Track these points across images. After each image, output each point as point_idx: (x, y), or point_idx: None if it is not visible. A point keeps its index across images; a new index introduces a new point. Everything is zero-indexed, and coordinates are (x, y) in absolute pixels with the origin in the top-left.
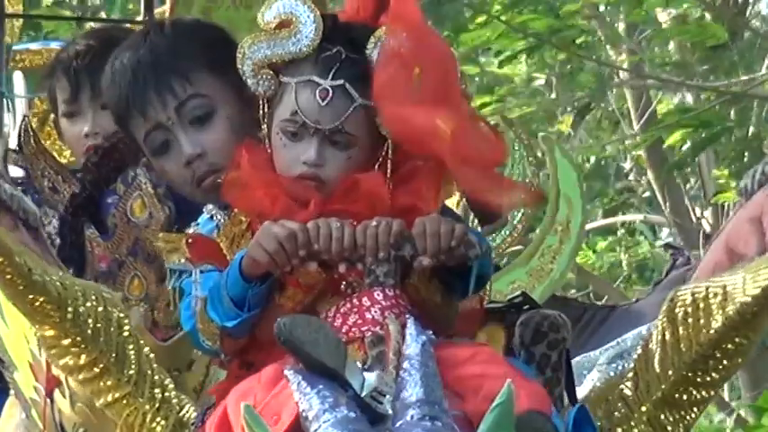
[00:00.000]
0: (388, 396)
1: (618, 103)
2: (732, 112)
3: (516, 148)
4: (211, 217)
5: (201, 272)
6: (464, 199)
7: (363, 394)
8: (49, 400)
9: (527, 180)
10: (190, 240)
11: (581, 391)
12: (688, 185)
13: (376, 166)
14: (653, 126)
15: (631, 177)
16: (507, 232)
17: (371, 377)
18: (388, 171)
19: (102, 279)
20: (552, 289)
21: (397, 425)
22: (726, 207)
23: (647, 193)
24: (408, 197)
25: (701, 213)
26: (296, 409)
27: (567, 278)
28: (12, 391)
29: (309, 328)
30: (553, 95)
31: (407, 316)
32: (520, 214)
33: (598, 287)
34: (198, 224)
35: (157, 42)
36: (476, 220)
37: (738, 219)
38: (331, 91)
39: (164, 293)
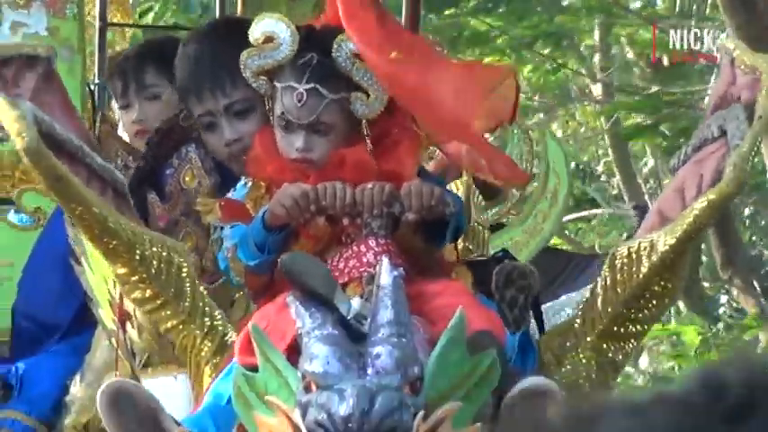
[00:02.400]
0: (368, 319)
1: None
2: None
3: (515, 132)
4: (245, 184)
5: (231, 226)
6: (470, 178)
7: (349, 317)
8: (122, 331)
9: (522, 157)
10: (222, 203)
11: None
12: (647, 186)
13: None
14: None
15: (603, 179)
16: (508, 204)
17: (356, 303)
18: (369, 144)
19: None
20: (542, 243)
21: (372, 340)
22: None
23: (615, 191)
24: (391, 164)
25: None
26: (294, 327)
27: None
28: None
29: (306, 262)
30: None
31: (383, 256)
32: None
33: None
34: (235, 190)
35: (218, 41)
36: (479, 196)
37: (667, 189)
38: (305, 93)
39: (210, 247)
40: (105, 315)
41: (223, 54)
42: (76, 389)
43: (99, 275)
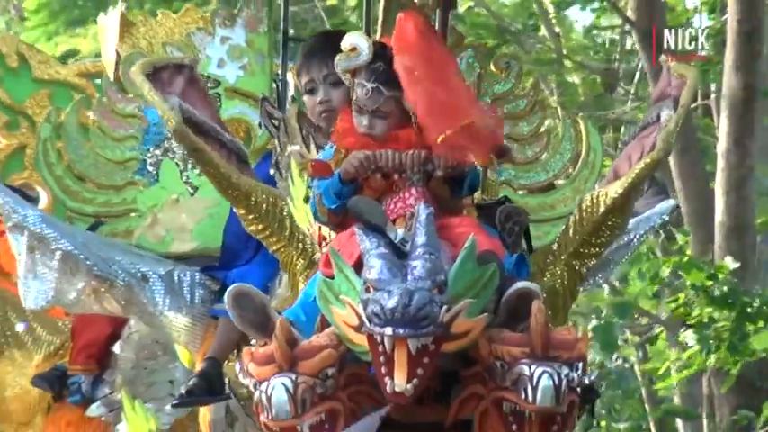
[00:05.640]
0: (409, 243)
1: None
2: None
3: (566, 121)
4: (331, 147)
5: (319, 179)
6: None
7: (396, 241)
8: (321, 249)
9: (571, 138)
10: (312, 163)
11: None
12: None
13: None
14: None
15: None
16: (559, 165)
17: (401, 232)
18: (416, 128)
19: None
20: None
21: (411, 256)
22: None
23: None
24: (429, 140)
25: None
26: (359, 249)
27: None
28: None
29: (366, 203)
30: None
31: (420, 200)
32: (566, 160)
33: None
34: (324, 151)
35: (328, 41)
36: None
37: (621, 156)
38: (371, 90)
39: (305, 192)
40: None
41: (329, 48)
42: (278, 289)
43: (301, 212)
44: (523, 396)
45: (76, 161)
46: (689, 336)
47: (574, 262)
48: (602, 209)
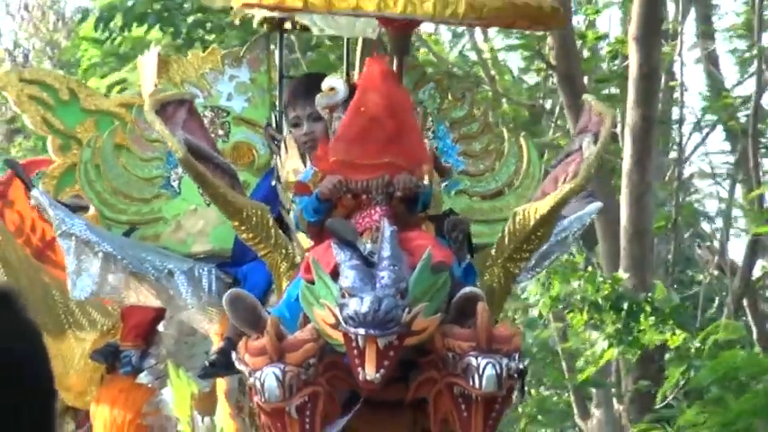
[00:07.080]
0: (376, 255)
1: None
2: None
3: (511, 140)
4: (310, 169)
5: (300, 198)
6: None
7: (365, 253)
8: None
9: (516, 155)
10: (295, 184)
11: None
12: None
13: None
14: None
15: None
16: (506, 176)
17: (369, 246)
18: None
19: None
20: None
21: (379, 267)
22: None
23: None
24: None
25: None
26: (335, 259)
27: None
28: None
29: (340, 223)
30: None
31: (384, 217)
32: (511, 172)
33: None
34: (304, 174)
35: (309, 82)
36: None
37: (549, 178)
38: None
39: (289, 206)
40: (302, 238)
41: (310, 90)
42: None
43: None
44: (471, 382)
45: (112, 178)
46: (594, 335)
47: (508, 265)
48: (532, 222)
